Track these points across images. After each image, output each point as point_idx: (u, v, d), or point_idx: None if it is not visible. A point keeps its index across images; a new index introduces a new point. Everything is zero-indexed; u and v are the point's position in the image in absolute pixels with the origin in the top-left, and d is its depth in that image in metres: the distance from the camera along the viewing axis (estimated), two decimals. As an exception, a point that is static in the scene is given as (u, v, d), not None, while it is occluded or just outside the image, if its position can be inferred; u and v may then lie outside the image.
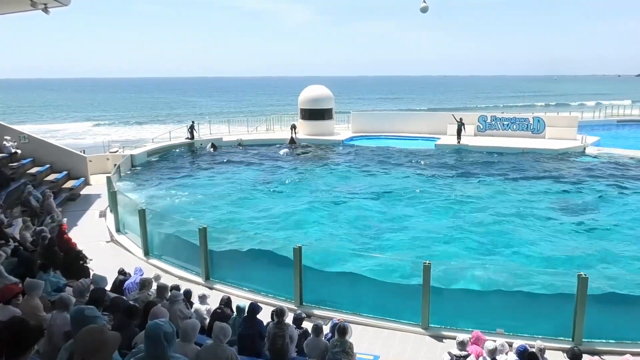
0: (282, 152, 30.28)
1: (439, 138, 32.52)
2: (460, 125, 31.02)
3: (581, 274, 8.48)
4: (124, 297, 7.45)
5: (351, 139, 34.17)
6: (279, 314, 7.20)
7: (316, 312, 9.92)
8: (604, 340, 8.67)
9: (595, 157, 27.86)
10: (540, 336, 8.46)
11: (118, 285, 8.78)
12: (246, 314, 7.41)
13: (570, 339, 8.66)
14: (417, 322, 9.33)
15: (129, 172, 24.26)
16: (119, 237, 14.68)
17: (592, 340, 8.65)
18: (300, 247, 9.94)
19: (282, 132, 36.54)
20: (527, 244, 14.49)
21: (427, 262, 9.07)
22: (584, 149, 29.45)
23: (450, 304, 9.49)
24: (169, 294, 7.60)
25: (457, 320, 9.23)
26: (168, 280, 9.63)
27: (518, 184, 21.75)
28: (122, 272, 9.37)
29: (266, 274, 11.09)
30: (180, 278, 11.57)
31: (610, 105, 52.21)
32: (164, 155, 28.89)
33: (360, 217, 17.13)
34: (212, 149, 30.60)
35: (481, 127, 34.12)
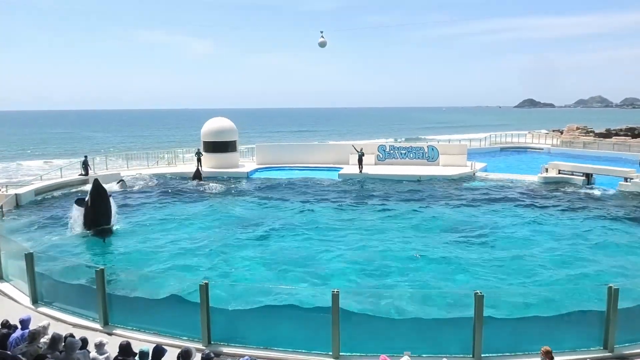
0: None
1: (342, 168, 33.50)
2: (361, 155, 32.23)
3: (477, 292, 9.02)
4: (8, 353, 6.72)
5: (256, 170, 34.12)
6: (184, 356, 6.89)
7: (225, 350, 9.59)
8: (500, 354, 9.21)
9: (483, 181, 30.21)
10: (445, 355, 8.85)
11: (1, 340, 7.89)
12: (149, 359, 6.99)
13: (471, 356, 9.12)
14: (327, 352, 9.33)
15: (13, 213, 22.22)
16: (2, 285, 13.27)
17: (490, 355, 9.17)
18: (206, 284, 9.62)
19: (184, 166, 35.63)
20: (428, 267, 15.18)
21: (336, 290, 9.17)
22: (474, 174, 31.83)
23: (360, 331, 9.62)
24: (63, 344, 6.98)
25: (367, 346, 9.37)
26: (61, 329, 8.83)
27: (416, 209, 22.87)
28: (5, 324, 8.43)
29: (170, 314, 10.56)
30: (75, 325, 10.65)
31: (495, 134, 57.08)
32: (54, 193, 26.84)
33: (270, 249, 16.99)
34: (119, 186, 28.03)
35: (381, 156, 35.70)
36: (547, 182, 29.14)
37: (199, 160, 33.09)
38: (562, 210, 22.60)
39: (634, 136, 52.61)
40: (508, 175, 31.13)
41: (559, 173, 29.74)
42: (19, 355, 6.25)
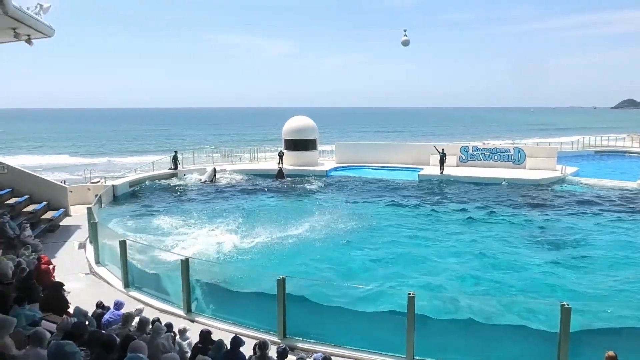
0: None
1: (422, 168, 32.87)
2: (443, 156, 31.44)
3: (564, 304, 8.50)
4: (103, 332, 7.26)
5: (335, 169, 34.35)
6: (261, 347, 7.08)
7: (300, 345, 9.76)
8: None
9: (574, 186, 28.35)
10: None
11: (96, 319, 8.55)
12: (229, 348, 7.26)
13: None
14: (402, 355, 9.21)
15: (110, 203, 23.96)
16: (99, 269, 14.38)
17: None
18: (284, 279, 9.83)
19: (266, 163, 36.63)
20: (511, 274, 14.53)
21: (412, 292, 9.02)
22: (564, 178, 29.98)
23: (436, 335, 9.41)
24: (151, 327, 7.44)
25: (444, 352, 9.14)
26: (149, 313, 9.42)
27: (501, 214, 21.95)
28: (100, 305, 9.14)
29: (249, 306, 10.92)
30: (161, 311, 11.32)
31: (589, 136, 53.48)
32: (146, 185, 28.66)
33: (348, 249, 17.06)
34: (210, 177, 30.33)
35: (463, 157, 34.61)
36: (649, 189, 26.81)
37: (280, 159, 33.88)
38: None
39: None
40: (603, 181, 28.95)
41: (664, 180, 27.26)
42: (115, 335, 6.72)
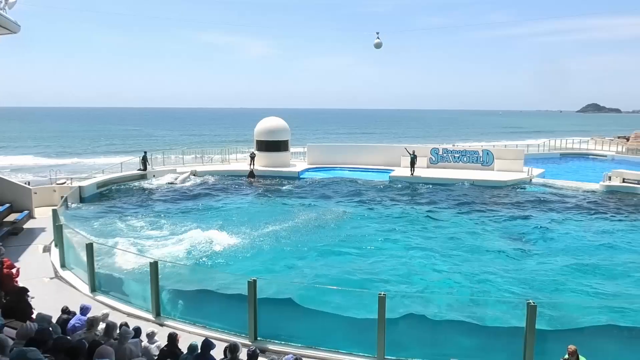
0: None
1: (393, 170, 33.20)
2: (413, 158, 31.83)
3: (530, 302, 8.70)
4: (68, 338, 7.08)
5: (307, 170, 34.37)
6: (232, 350, 7.03)
7: (271, 347, 9.73)
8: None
9: (540, 187, 29.09)
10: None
11: (61, 325, 8.34)
12: (199, 351, 7.19)
13: None
14: (372, 354, 9.28)
15: (77, 205, 23.41)
16: (64, 273, 14.03)
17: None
18: (254, 280, 9.79)
19: (237, 164, 36.39)
20: (481, 272, 14.80)
21: (383, 293, 9.10)
22: (531, 180, 30.72)
23: (405, 334, 9.51)
24: (118, 331, 7.29)
25: (413, 351, 9.24)
26: (116, 318, 9.24)
27: (468, 214, 22.35)
28: (65, 310, 8.92)
29: (219, 308, 10.82)
30: (129, 315, 11.12)
31: (554, 139, 54.93)
32: (115, 187, 28.10)
33: (319, 249, 17.07)
34: (182, 180, 30.28)
35: (433, 159, 35.12)
36: (610, 190, 27.71)
37: (252, 160, 33.70)
38: (624, 221, 21.45)
39: None
40: (567, 183, 29.83)
41: (623, 182, 28.18)
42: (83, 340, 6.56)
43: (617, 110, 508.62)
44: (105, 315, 8.32)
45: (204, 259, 15.81)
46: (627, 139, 55.75)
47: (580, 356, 7.68)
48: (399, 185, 29.64)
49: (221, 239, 17.77)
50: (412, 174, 31.53)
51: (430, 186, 29.41)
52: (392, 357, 9.24)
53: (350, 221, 20.98)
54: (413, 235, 18.92)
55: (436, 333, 9.58)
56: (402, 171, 32.61)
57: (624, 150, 47.43)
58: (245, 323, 9.99)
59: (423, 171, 32.57)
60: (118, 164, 32.12)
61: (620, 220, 21.64)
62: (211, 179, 31.18)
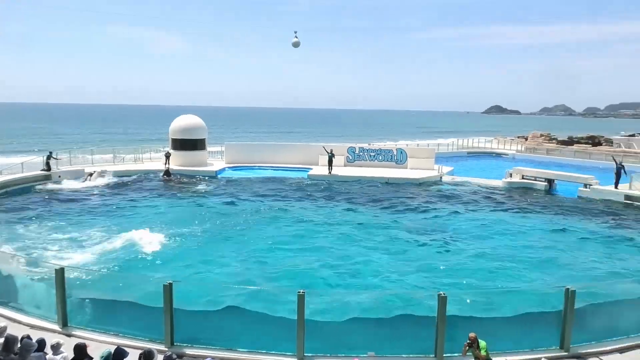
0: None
1: (311, 168, 33.53)
2: (331, 157, 32.35)
3: (440, 294, 9.15)
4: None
5: (225, 169, 33.80)
6: (146, 356, 6.76)
7: (188, 351, 9.46)
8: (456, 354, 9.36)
9: (449, 184, 30.71)
10: (407, 355, 8.99)
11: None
12: (110, 360, 6.83)
13: (433, 355, 9.26)
14: (292, 353, 9.31)
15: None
16: (-45, 284, 12.74)
17: (452, 355, 9.32)
18: (170, 284, 9.46)
19: (152, 163, 35.03)
20: (390, 268, 15.33)
21: (302, 291, 9.16)
22: (441, 177, 32.31)
23: (327, 334, 9.64)
24: (19, 345, 6.76)
25: (336, 349, 9.39)
26: (17, 331, 8.55)
27: (383, 211, 23.09)
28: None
29: (133, 315, 10.34)
30: (32, 326, 10.32)
31: (462, 139, 58.17)
32: (14, 188, 25.99)
33: (238, 249, 16.86)
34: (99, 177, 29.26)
35: (350, 158, 35.90)
36: (511, 186, 29.82)
37: (167, 159, 32.59)
38: (524, 214, 23.18)
39: (595, 144, 54.38)
40: (474, 179, 31.73)
41: (523, 178, 30.46)
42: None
43: (517, 112, 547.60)
44: (3, 329, 7.67)
45: (115, 263, 15.05)
46: (526, 139, 60.24)
47: (480, 341, 8.26)
48: (317, 183, 30.00)
49: (134, 242, 17.02)
50: (330, 173, 32.02)
51: (347, 184, 30.05)
52: (311, 354, 9.33)
53: (268, 220, 20.90)
54: (331, 233, 19.21)
55: (355, 329, 9.79)
56: (320, 170, 33.02)
57: (523, 149, 51.23)
58: (161, 328, 9.64)
59: (340, 169, 33.18)
60: (18, 164, 29.70)
61: (517, 212, 23.35)
62: (123, 179, 29.74)
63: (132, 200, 24.63)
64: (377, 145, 41.20)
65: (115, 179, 29.65)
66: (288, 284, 13.54)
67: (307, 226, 20.12)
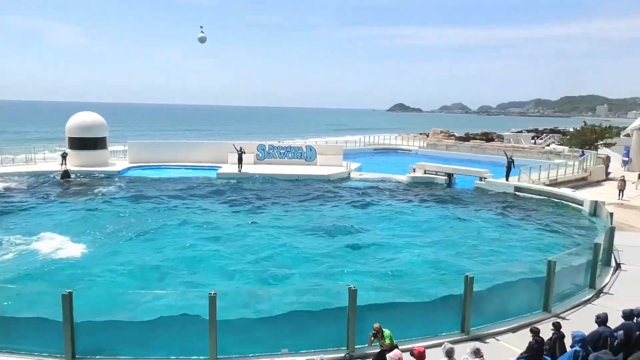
0: None
1: (220, 167, 32.94)
2: (241, 154, 31.99)
3: (351, 287, 9.39)
4: None
5: (129, 169, 32.24)
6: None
7: (92, 363, 8.92)
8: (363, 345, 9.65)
9: (357, 180, 31.61)
10: (321, 349, 9.15)
11: None
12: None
13: (345, 348, 9.50)
14: (205, 356, 9.10)
15: None
16: None
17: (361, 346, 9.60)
18: (70, 293, 8.85)
19: (46, 164, 32.56)
20: (302, 263, 15.51)
21: (213, 292, 8.98)
22: (349, 173, 33.14)
23: (240, 332, 9.52)
24: None
25: (245, 349, 9.31)
26: None
27: (293, 208, 23.26)
28: None
29: (29, 330, 9.53)
30: None
31: (368, 136, 60.00)
32: None
33: (142, 253, 16.13)
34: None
35: (260, 155, 35.75)
36: (415, 181, 31.30)
37: (64, 159, 30.45)
38: (427, 206, 24.46)
39: (488, 140, 58.76)
40: (380, 175, 32.90)
41: (425, 173, 32.10)
42: None
43: (419, 110, 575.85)
44: None
45: (8, 275, 13.79)
46: (427, 136, 63.47)
47: (384, 330, 8.62)
48: (227, 182, 29.54)
49: (26, 251, 15.73)
50: (239, 171, 31.66)
51: (258, 182, 29.91)
52: (225, 356, 9.19)
53: (174, 221, 20.19)
54: (239, 232, 18.99)
55: (266, 326, 9.76)
56: (230, 168, 32.55)
57: (425, 145, 53.95)
58: (61, 341, 8.98)
59: (250, 167, 32.94)
60: None
61: (419, 204, 24.61)
62: (13, 183, 27.31)
63: (23, 204, 22.68)
64: (287, 142, 41.38)
65: (4, 183, 27.13)
66: (199, 284, 13.20)
67: (215, 226, 19.71)
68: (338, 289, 11.48)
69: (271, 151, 36.05)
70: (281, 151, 36.23)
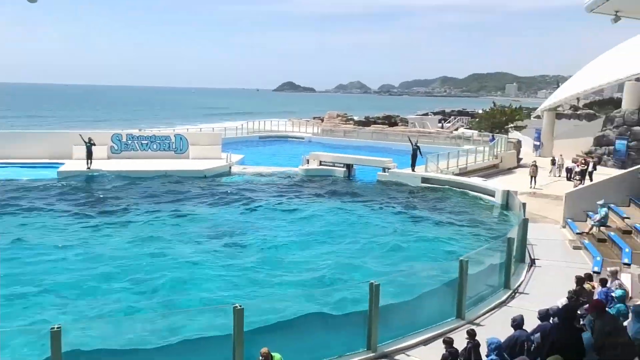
0: None
1: (63, 164, 31.11)
2: (90, 147, 30.47)
3: (236, 306, 9.31)
4: None
5: None
6: None
7: None
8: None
9: (240, 175, 31.54)
10: None
11: None
12: None
13: None
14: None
15: None
16: None
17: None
18: None
19: None
20: (177, 276, 15.16)
21: (57, 326, 8.44)
22: (230, 167, 32.90)
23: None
24: None
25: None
26: None
27: (162, 212, 22.61)
28: None
29: None
30: None
31: (253, 121, 59.97)
32: None
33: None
34: None
35: (116, 147, 34.37)
36: (309, 174, 31.87)
37: None
38: (323, 203, 25.05)
39: (391, 124, 61.54)
40: (268, 169, 33.06)
41: (320, 164, 32.83)
42: None
43: (312, 90, 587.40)
44: None
45: None
46: (322, 120, 64.95)
47: (274, 354, 8.65)
48: (73, 183, 27.90)
49: None
50: (88, 167, 30.18)
51: (113, 180, 28.66)
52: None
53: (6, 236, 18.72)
54: (93, 244, 18.16)
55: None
56: (76, 164, 30.82)
57: (319, 131, 55.13)
58: None
59: (104, 163, 31.47)
60: None
61: (314, 202, 25.19)
62: None
63: None
64: (150, 131, 40.03)
65: None
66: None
67: (54, 240, 18.53)
68: (224, 309, 11.33)
69: (130, 142, 34.73)
70: (143, 142, 35.02)
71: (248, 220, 22.02)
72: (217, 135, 38.82)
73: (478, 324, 11.77)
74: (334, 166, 32.57)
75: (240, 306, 9.36)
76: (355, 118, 68.02)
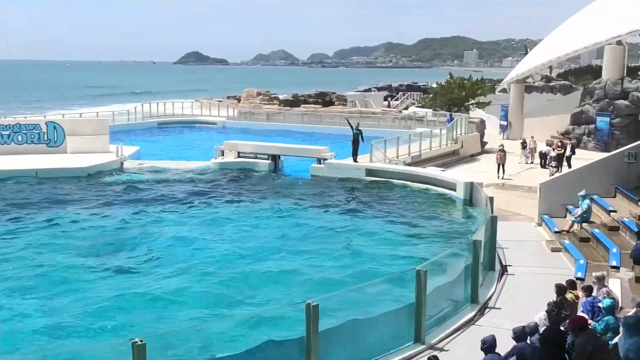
0: None
1: None
2: None
3: (136, 341, 9.10)
4: None
5: None
6: None
7: None
8: None
9: (135, 173, 30.95)
10: None
11: None
12: None
13: None
14: None
15: None
16: None
17: None
18: None
19: None
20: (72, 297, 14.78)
21: None
22: (122, 164, 32.16)
23: None
24: None
25: None
26: None
27: (28, 225, 21.98)
28: None
29: None
30: None
31: (149, 103, 58.61)
32: None
33: None
34: None
35: (-33, 140, 33.06)
36: (225, 168, 31.65)
37: None
38: (243, 206, 24.97)
39: (325, 104, 61.56)
40: (170, 163, 32.60)
41: (239, 156, 32.63)
42: None
43: (224, 62, 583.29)
44: None
45: None
46: (239, 100, 64.47)
47: None
48: None
49: None
50: None
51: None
52: None
53: None
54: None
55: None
56: None
57: (236, 114, 54.69)
58: None
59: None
60: None
61: (232, 203, 25.18)
62: None
63: None
64: (13, 118, 38.64)
65: None
66: None
67: None
68: (120, 348, 11.09)
69: (-16, 133, 33.52)
70: (3, 132, 33.77)
71: (145, 226, 21.69)
72: (104, 121, 37.91)
73: (441, 349, 11.95)
74: (256, 158, 32.43)
75: (141, 341, 9.16)
76: (281, 97, 67.85)
